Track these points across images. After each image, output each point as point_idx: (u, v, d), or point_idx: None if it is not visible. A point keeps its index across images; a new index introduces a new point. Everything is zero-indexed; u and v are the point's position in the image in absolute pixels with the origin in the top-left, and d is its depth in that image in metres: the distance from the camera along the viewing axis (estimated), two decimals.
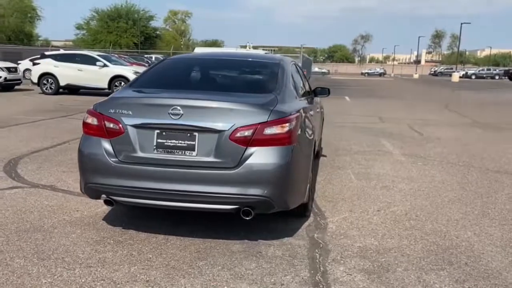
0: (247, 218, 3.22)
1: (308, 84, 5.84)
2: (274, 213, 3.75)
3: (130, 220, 3.84)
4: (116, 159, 3.25)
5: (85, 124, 3.42)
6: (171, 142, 3.20)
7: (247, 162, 3.11)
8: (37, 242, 3.33)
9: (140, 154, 3.23)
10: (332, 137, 8.62)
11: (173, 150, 3.20)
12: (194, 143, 3.17)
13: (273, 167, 3.12)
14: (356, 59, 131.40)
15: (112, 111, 3.29)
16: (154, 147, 3.22)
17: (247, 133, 3.12)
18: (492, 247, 3.51)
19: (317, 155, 6.47)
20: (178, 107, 3.16)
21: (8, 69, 17.71)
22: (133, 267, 2.98)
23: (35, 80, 17.39)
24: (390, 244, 3.51)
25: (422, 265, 3.14)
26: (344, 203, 4.51)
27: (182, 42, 70.04)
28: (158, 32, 56.40)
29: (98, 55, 17.72)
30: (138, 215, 3.95)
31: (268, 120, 3.16)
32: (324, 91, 5.79)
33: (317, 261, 3.17)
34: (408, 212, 4.29)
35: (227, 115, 3.15)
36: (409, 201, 4.64)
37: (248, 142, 3.12)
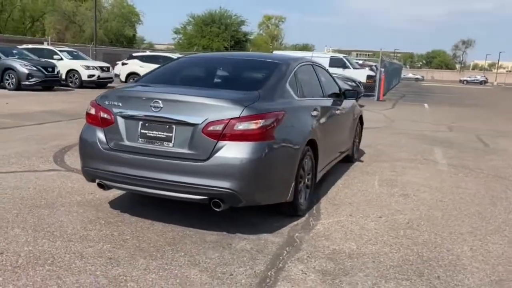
0: (218, 210, 3.34)
1: (339, 87, 5.78)
2: (266, 211, 3.86)
3: (130, 205, 4.14)
4: (107, 146, 3.56)
5: (87, 114, 3.78)
6: (152, 133, 3.43)
7: (216, 155, 3.23)
8: (41, 217, 3.74)
9: (126, 142, 3.50)
10: (385, 144, 8.35)
11: (153, 141, 3.42)
12: (171, 134, 3.37)
13: (241, 161, 3.21)
14: (457, 66, 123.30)
15: (107, 102, 3.61)
16: (138, 136, 3.47)
17: (218, 127, 3.24)
18: (481, 263, 3.25)
19: (349, 159, 6.36)
20: (159, 101, 3.38)
21: (102, 68, 19.46)
22: (106, 245, 3.24)
23: (123, 79, 18.95)
24: (368, 250, 3.40)
25: (387, 273, 3.02)
26: (348, 207, 4.42)
27: (271, 47, 71.17)
28: (248, 37, 57.84)
29: (177, 57, 18.73)
30: (139, 201, 4.24)
31: (241, 115, 3.25)
32: (353, 94, 5.70)
33: (281, 258, 3.19)
34: (411, 221, 4.09)
35: (201, 110, 3.31)
36: (420, 211, 4.41)
37: (219, 136, 3.24)
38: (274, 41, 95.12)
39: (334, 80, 5.76)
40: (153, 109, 3.39)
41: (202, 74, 4.34)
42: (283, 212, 3.94)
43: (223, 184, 3.21)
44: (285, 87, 3.93)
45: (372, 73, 20.76)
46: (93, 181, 3.72)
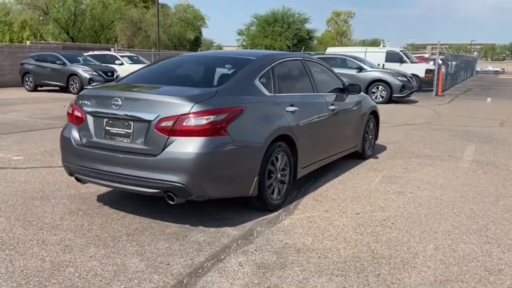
0: (172, 203, 3.47)
1: (342, 82, 5.67)
2: (244, 206, 3.94)
3: (115, 199, 4.39)
4: (80, 143, 3.83)
5: (67, 113, 4.08)
6: (114, 130, 3.63)
7: (167, 150, 3.36)
8: (30, 208, 4.10)
9: (95, 139, 3.74)
10: (415, 140, 8.01)
11: (115, 137, 3.63)
12: (130, 131, 3.55)
13: (189, 156, 3.30)
14: None
15: (80, 102, 3.88)
16: (104, 133, 3.69)
17: (169, 123, 3.37)
18: (436, 263, 3.08)
19: (360, 156, 6.20)
20: (118, 99, 3.57)
21: None
22: (69, 234, 3.49)
23: None
24: (322, 246, 3.34)
25: (325, 269, 2.97)
26: (330, 203, 4.34)
27: (336, 43, 69.97)
28: (312, 34, 57.38)
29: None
30: (125, 196, 4.47)
31: (190, 111, 3.35)
32: (355, 89, 5.57)
33: (227, 250, 3.24)
34: (388, 219, 3.94)
35: (155, 106, 3.45)
36: (406, 209, 4.23)
37: (170, 131, 3.36)
38: (343, 37, 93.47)
39: (337, 76, 5.65)
40: (114, 106, 3.59)
41: (174, 73, 4.46)
42: (252, 206, 3.98)
43: (172, 178, 3.33)
44: (253, 83, 3.96)
45: (432, 67, 19.75)
46: (71, 175, 4.00)
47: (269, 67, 4.24)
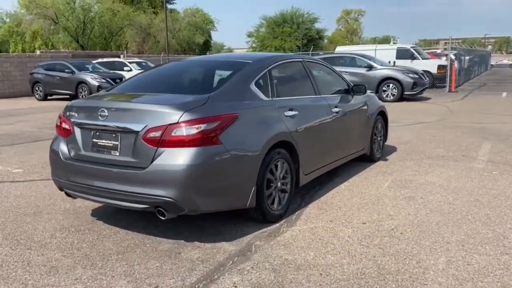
0: (163, 218, 3.27)
1: (347, 83, 5.43)
2: (238, 216, 3.72)
3: (109, 213, 4.21)
4: (69, 156, 3.65)
5: (56, 125, 3.92)
6: (101, 142, 3.45)
7: (155, 162, 3.16)
8: (20, 225, 3.94)
9: (83, 152, 3.56)
10: (427, 139, 7.70)
11: (103, 149, 3.44)
12: (117, 143, 3.36)
13: (179, 168, 3.10)
14: None
15: (68, 113, 3.71)
16: (91, 146, 3.51)
17: (157, 134, 3.17)
18: (448, 278, 2.82)
19: (369, 158, 5.94)
20: (105, 109, 3.39)
21: None
22: (58, 254, 3.31)
23: None
24: (324, 261, 3.11)
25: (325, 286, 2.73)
26: (335, 212, 4.10)
27: (346, 42, 69.39)
28: (322, 34, 56.96)
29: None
30: (120, 209, 4.28)
31: (179, 121, 3.14)
32: (360, 89, 5.32)
33: (222, 269, 3.02)
34: (397, 228, 3.68)
35: (142, 116, 3.25)
36: (416, 216, 3.96)
37: (158, 142, 3.16)
38: (353, 35, 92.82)
39: (341, 77, 5.40)
40: (100, 118, 3.41)
41: (166, 80, 4.25)
42: (251, 218, 3.76)
43: (161, 192, 3.13)
44: (249, 88, 3.75)
45: (445, 63, 19.31)
46: (62, 190, 3.83)
47: (266, 70, 4.02)
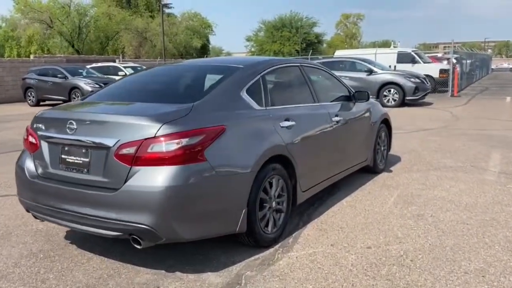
0: (139, 247, 2.83)
1: (348, 89, 5.02)
2: (229, 239, 3.29)
3: (85, 235, 3.77)
4: (35, 174, 3.22)
5: (23, 138, 3.49)
6: (70, 158, 3.02)
7: (128, 183, 2.73)
8: None
9: (51, 170, 3.14)
10: (433, 148, 7.29)
11: (72, 167, 3.02)
12: (87, 160, 2.93)
13: (155, 190, 2.67)
14: None
15: (35, 125, 3.29)
16: (59, 162, 3.08)
17: (131, 150, 2.74)
18: None
19: (372, 170, 5.53)
20: (73, 121, 2.97)
21: None
22: (19, 287, 2.88)
23: None
24: None
25: None
26: (336, 234, 3.67)
27: (346, 46, 69.14)
28: (321, 38, 56.65)
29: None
30: None
31: (156, 135, 2.72)
32: (362, 96, 4.90)
33: None
34: (407, 254, 3.26)
35: (115, 129, 2.83)
36: (427, 238, 3.54)
37: (132, 160, 2.74)
38: (352, 40, 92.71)
39: (342, 83, 4.99)
40: (68, 131, 2.99)
41: (148, 87, 3.83)
42: (243, 243, 3.34)
43: (135, 218, 2.70)
44: (239, 96, 3.33)
45: (446, 67, 18.92)
46: (28, 211, 3.40)
47: (259, 76, 3.60)
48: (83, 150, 2.94)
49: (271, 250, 3.38)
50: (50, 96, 17.87)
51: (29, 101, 18.48)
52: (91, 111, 3.20)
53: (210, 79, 3.54)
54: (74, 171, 2.99)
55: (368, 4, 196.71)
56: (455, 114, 12.14)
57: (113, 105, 3.39)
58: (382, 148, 5.77)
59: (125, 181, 2.74)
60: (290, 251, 3.36)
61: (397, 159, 6.47)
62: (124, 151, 2.75)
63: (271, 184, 3.39)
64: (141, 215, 2.68)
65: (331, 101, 4.64)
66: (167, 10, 45.56)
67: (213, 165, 2.84)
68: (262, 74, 3.64)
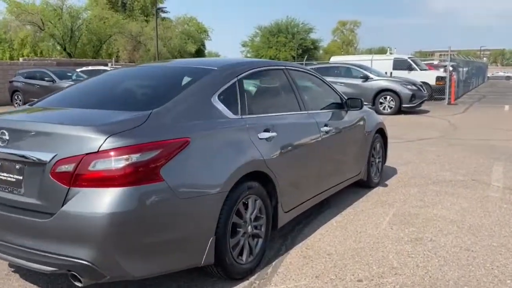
0: (80, 285, 2.33)
1: (340, 95, 4.55)
2: (194, 271, 2.77)
3: None
4: None
5: None
6: (2, 176, 2.53)
7: (65, 208, 2.24)
8: None
9: None
10: (430, 159, 6.83)
11: (4, 186, 2.52)
12: (21, 177, 2.44)
13: (97, 217, 2.18)
14: None
15: None
16: None
17: (69, 167, 2.25)
18: None
19: (365, 184, 5.06)
20: (5, 131, 2.48)
21: None
22: None
23: None
24: None
25: None
26: (322, 262, 3.19)
27: (342, 52, 68.94)
28: (317, 44, 56.39)
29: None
30: None
31: (100, 149, 2.23)
32: (356, 103, 4.44)
33: None
34: None
35: (53, 142, 2.34)
36: (426, 269, 3.06)
37: (71, 180, 2.25)
38: (349, 46, 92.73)
39: (333, 89, 4.52)
40: (0, 142, 2.49)
41: (105, 91, 3.32)
42: (212, 275, 2.85)
43: (72, 252, 2.21)
44: (209, 102, 2.85)
45: (443, 74, 18.56)
46: None
47: (235, 79, 3.13)
48: (16, 166, 2.45)
49: (246, 283, 2.89)
50: (37, 99, 17.34)
51: (16, 105, 17.94)
52: (27, 119, 2.71)
53: (177, 83, 3.06)
54: (6, 190, 2.50)
55: (364, 11, 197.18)
56: (453, 122, 11.71)
57: (56, 112, 2.90)
58: (377, 161, 5.31)
59: (62, 205, 2.25)
60: (268, 285, 2.87)
61: (392, 172, 6.01)
62: (62, 168, 2.26)
63: (246, 206, 2.91)
64: (79, 248, 2.19)
65: (320, 109, 4.17)
66: (163, 15, 45.24)
67: (172, 186, 2.36)
68: (239, 77, 3.16)
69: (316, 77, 4.37)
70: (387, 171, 5.93)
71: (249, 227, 2.94)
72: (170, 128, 2.48)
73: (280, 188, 3.20)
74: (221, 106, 2.90)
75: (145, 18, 42.14)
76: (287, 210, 3.39)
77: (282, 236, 3.69)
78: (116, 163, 2.22)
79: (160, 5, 39.88)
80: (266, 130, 3.14)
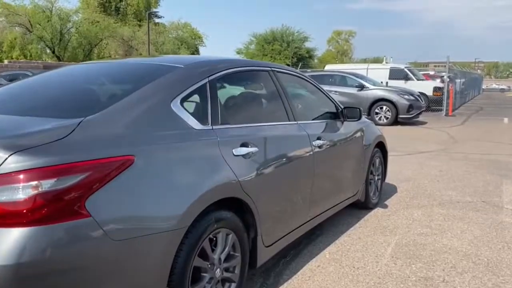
0: None
1: (335, 104, 3.94)
2: None
3: None
4: None
5: None
6: None
7: None
8: None
9: None
10: (433, 176, 6.23)
11: None
12: None
13: None
14: None
15: None
16: None
17: None
18: None
19: (361, 204, 4.44)
20: None
21: None
22: None
23: None
24: None
25: None
26: None
27: (337, 61, 68.72)
28: (312, 53, 56.06)
29: None
30: None
31: None
32: (353, 113, 3.82)
33: None
34: None
35: None
36: None
37: None
38: (344, 56, 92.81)
39: (328, 97, 3.90)
40: None
41: (40, 93, 2.63)
42: None
43: None
44: (167, 108, 2.20)
45: (440, 85, 18.06)
46: None
47: (206, 80, 2.49)
48: None
49: None
50: None
51: None
52: None
53: (128, 83, 2.40)
54: None
55: (360, 22, 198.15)
56: (452, 135, 11.15)
57: None
58: (376, 178, 4.69)
59: None
60: None
61: (392, 190, 5.39)
62: None
63: (214, 243, 2.27)
64: None
65: (312, 120, 3.55)
66: (157, 20, 44.68)
67: (102, 223, 1.70)
68: (211, 78, 2.52)
69: (309, 82, 3.74)
70: (386, 188, 5.31)
71: (218, 270, 2.29)
72: (106, 142, 1.83)
73: (260, 216, 2.56)
74: (184, 114, 2.26)
75: (138, 22, 41.52)
76: (269, 243, 2.75)
77: (263, 272, 3.04)
78: (20, 192, 1.57)
79: (154, 10, 39.26)
80: (244, 145, 2.50)
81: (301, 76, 3.70)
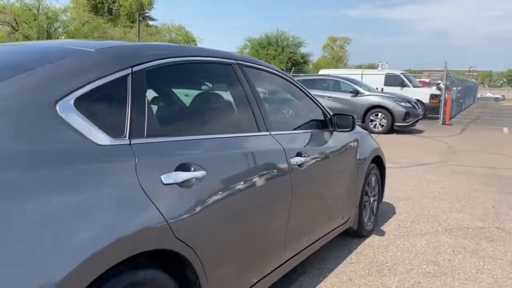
0: None
1: (323, 110, 3.15)
2: None
3: None
4: None
5: None
6: None
7: None
8: None
9: None
10: (434, 193, 5.49)
11: None
12: None
13: None
14: None
15: None
16: None
17: None
18: None
19: (352, 232, 3.66)
20: None
21: None
22: None
23: None
24: None
25: None
26: None
27: (331, 67, 68.27)
28: (307, 58, 55.46)
29: None
30: None
31: None
32: (345, 121, 3.03)
33: None
34: None
35: None
36: None
37: None
38: (339, 62, 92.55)
39: (313, 100, 3.12)
40: None
41: None
42: None
43: None
44: (49, 112, 1.41)
45: (437, 92, 17.40)
46: None
47: (126, 72, 1.70)
48: None
49: None
50: None
51: None
52: None
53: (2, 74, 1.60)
54: None
55: (355, 29, 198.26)
56: (451, 145, 10.43)
57: None
58: (372, 200, 3.91)
59: None
60: None
61: (390, 210, 4.63)
62: None
63: None
64: None
65: (292, 130, 2.76)
66: (150, 22, 43.93)
67: None
68: (135, 69, 1.73)
69: (289, 81, 2.96)
70: (382, 209, 4.55)
71: None
72: None
73: (207, 272, 1.77)
74: (79, 121, 1.46)
75: (131, 24, 40.70)
76: None
77: None
78: None
79: (146, 11, 38.49)
80: (183, 168, 1.71)
81: (279, 74, 2.91)
